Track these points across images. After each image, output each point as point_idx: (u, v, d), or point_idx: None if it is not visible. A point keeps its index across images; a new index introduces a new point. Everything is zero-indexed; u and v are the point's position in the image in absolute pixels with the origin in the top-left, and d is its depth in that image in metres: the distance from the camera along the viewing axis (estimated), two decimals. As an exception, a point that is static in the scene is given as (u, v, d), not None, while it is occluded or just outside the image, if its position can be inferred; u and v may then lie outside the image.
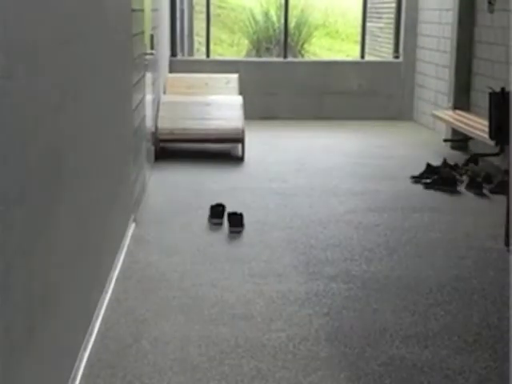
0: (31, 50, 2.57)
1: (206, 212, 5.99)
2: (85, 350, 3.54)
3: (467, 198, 6.78)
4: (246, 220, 5.83)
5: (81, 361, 3.43)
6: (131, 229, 5.50)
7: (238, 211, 5.77)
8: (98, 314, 3.95)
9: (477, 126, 8.06)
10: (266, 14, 16.74)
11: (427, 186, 7.02)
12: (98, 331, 3.83)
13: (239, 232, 5.56)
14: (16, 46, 2.37)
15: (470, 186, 6.95)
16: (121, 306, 4.20)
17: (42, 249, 2.75)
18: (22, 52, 2.44)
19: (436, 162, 7.61)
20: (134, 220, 5.68)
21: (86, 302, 3.70)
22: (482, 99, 8.56)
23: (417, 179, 7.22)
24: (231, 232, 5.56)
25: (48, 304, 2.85)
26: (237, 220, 5.59)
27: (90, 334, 3.70)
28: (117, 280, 4.55)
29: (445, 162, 7.51)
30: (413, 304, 4.30)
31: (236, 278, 4.66)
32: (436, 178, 7.08)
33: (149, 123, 7.20)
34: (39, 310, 2.71)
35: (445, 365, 3.59)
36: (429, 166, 7.34)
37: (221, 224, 5.73)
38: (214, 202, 6.03)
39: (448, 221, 6.01)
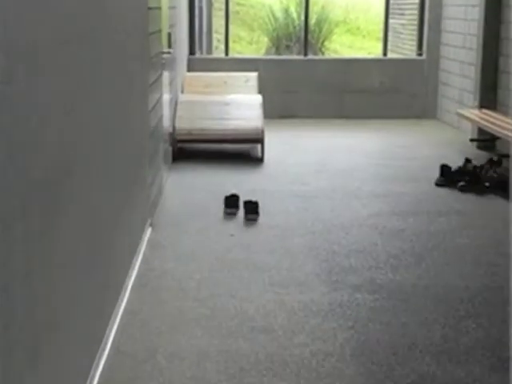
0: (31, 50, 2.40)
1: (224, 216, 5.81)
2: (97, 366, 3.36)
3: (494, 200, 6.53)
4: (265, 225, 5.67)
5: (93, 378, 3.25)
6: (147, 233, 5.32)
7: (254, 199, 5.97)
8: (112, 327, 3.76)
9: (504, 125, 7.81)
10: (286, 11, 16.51)
11: (462, 189, 6.74)
12: (112, 345, 3.64)
13: (255, 219, 5.77)
14: (17, 46, 2.21)
15: (498, 189, 6.69)
16: (136, 317, 4.01)
17: (56, 259, 2.57)
18: (21, 52, 2.28)
19: (459, 162, 7.30)
20: (151, 224, 5.50)
21: (100, 314, 3.52)
22: (508, 98, 8.30)
23: (439, 184, 6.94)
24: (247, 219, 5.77)
25: (57, 318, 2.67)
26: (252, 208, 5.87)
27: (103, 350, 3.52)
28: (132, 288, 4.37)
29: (466, 163, 7.19)
30: (443, 316, 4.08)
31: (256, 287, 4.46)
32: (469, 179, 6.81)
33: (166, 123, 7.02)
34: (45, 327, 2.53)
35: (479, 383, 3.38)
36: (444, 167, 7.02)
37: (235, 214, 5.80)
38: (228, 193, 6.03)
39: (476, 225, 5.78)
